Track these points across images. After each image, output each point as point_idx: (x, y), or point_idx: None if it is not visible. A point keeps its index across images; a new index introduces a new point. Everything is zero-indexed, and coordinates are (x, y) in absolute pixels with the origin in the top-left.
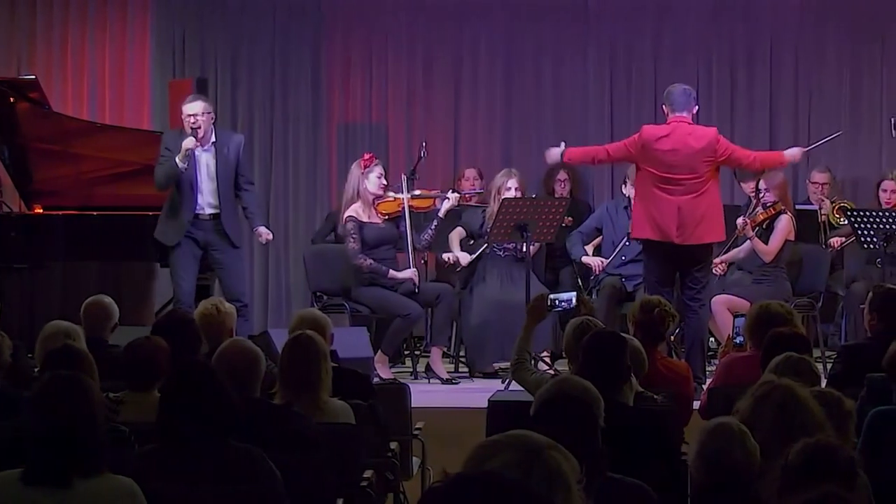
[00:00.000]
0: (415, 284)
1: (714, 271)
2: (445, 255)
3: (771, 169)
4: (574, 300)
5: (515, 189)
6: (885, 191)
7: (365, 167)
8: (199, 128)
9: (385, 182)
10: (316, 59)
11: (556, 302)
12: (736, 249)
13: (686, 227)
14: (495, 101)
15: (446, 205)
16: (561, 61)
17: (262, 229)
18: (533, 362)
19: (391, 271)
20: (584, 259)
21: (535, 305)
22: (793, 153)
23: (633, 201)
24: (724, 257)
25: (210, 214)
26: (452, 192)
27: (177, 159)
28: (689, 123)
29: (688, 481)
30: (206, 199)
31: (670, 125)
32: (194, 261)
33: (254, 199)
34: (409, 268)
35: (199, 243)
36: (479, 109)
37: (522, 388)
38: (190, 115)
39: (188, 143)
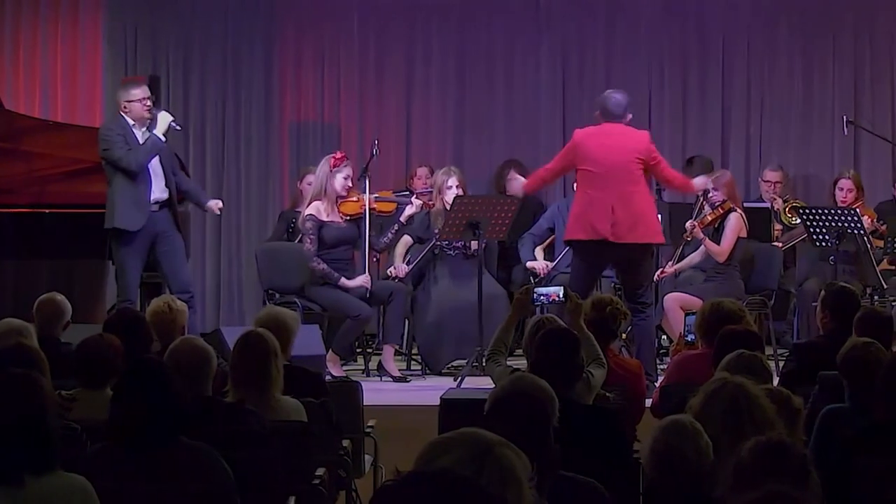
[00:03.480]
0: (367, 290)
1: (657, 277)
2: (389, 270)
3: (680, 189)
4: (560, 294)
5: (456, 186)
6: (841, 189)
7: (334, 166)
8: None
9: (350, 185)
10: (268, 57)
11: (537, 296)
12: (690, 256)
13: (620, 225)
14: (447, 99)
15: (409, 210)
16: (513, 60)
17: (213, 202)
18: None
19: (343, 279)
20: (529, 264)
21: (520, 299)
22: (699, 182)
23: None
24: (678, 266)
25: (160, 203)
26: (416, 198)
27: (157, 132)
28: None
29: (640, 479)
30: (158, 186)
31: (602, 126)
32: (144, 256)
33: (188, 180)
34: (364, 273)
35: (150, 236)
36: (432, 108)
37: (474, 387)
38: (146, 98)
39: (167, 117)
